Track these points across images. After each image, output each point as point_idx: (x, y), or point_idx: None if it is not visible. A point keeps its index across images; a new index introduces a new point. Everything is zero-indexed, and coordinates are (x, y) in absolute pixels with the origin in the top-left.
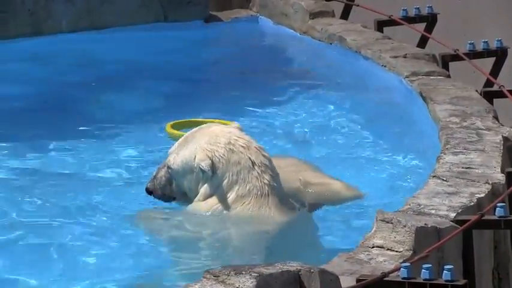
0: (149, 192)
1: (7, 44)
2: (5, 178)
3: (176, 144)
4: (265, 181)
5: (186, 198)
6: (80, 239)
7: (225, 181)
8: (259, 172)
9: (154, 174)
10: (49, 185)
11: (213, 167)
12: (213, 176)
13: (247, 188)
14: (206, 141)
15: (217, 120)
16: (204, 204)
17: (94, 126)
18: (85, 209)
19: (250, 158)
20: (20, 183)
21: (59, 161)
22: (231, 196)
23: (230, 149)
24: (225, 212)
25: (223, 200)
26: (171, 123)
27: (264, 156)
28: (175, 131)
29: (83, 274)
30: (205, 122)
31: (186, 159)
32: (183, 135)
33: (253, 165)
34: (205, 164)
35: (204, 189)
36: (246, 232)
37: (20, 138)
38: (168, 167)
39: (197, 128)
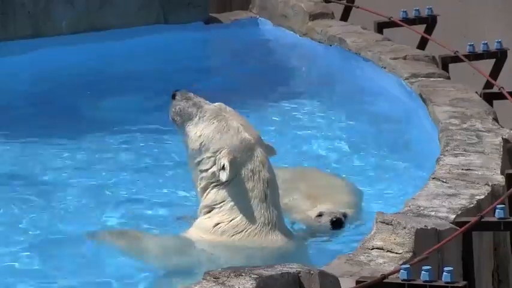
0: (173, 96)
1: (7, 45)
2: (5, 178)
3: (220, 111)
4: (269, 219)
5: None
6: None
7: (231, 203)
8: (269, 208)
9: (190, 95)
10: (49, 187)
11: (229, 178)
12: (224, 187)
13: (255, 215)
14: (242, 148)
15: None
16: (209, 223)
17: (93, 127)
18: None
19: (264, 191)
20: (15, 186)
21: (59, 162)
22: (234, 221)
23: (252, 173)
24: (231, 236)
25: (228, 220)
26: None
27: (276, 195)
28: None
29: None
30: None
31: (213, 136)
32: None
33: (265, 198)
34: (227, 171)
35: (211, 195)
36: (258, 257)
37: (18, 139)
38: (200, 110)
39: (240, 122)
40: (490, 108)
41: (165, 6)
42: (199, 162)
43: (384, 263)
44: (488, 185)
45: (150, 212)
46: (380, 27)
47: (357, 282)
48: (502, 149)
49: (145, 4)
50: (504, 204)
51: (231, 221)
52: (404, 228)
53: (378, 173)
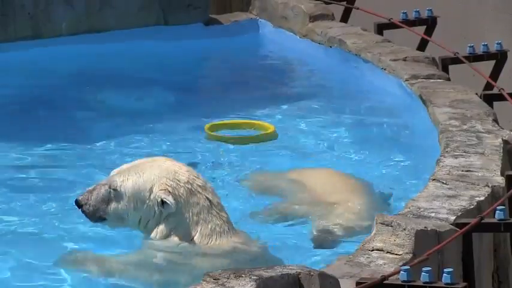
0: (79, 205)
1: (7, 47)
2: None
3: (124, 167)
4: (224, 219)
5: (120, 224)
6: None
7: (186, 221)
8: (218, 211)
9: (90, 188)
10: (49, 189)
11: (175, 204)
12: (172, 214)
13: (210, 227)
14: (165, 175)
15: (257, 122)
16: (166, 243)
17: (92, 128)
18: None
19: (208, 198)
20: (15, 185)
21: (59, 164)
22: (196, 236)
23: (189, 188)
24: (194, 247)
25: (187, 239)
26: (209, 124)
27: (217, 196)
28: (215, 134)
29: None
30: (244, 124)
31: (139, 187)
32: (222, 137)
33: (211, 205)
34: (170, 200)
35: (162, 227)
36: (223, 264)
37: (18, 140)
38: (112, 188)
39: (149, 158)
40: (490, 110)
41: (165, 8)
42: (143, 218)
43: (384, 264)
44: (488, 186)
45: None
46: (380, 28)
47: (357, 283)
48: (502, 151)
49: (145, 5)
50: (504, 205)
51: (191, 240)
52: (405, 229)
53: (377, 174)
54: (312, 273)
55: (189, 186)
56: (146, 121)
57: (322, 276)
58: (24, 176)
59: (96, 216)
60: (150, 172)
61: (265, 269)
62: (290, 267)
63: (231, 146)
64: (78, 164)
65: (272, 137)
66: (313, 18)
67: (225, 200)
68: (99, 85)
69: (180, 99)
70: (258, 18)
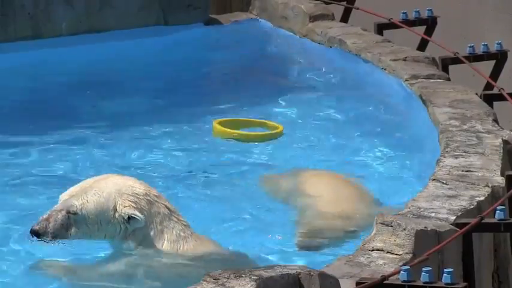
0: (37, 234)
1: (7, 47)
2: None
3: (76, 189)
4: (185, 223)
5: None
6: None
7: (152, 232)
8: (177, 217)
9: (45, 216)
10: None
11: (142, 218)
12: (138, 228)
13: (175, 233)
14: (124, 191)
15: (266, 121)
16: (140, 252)
17: (93, 129)
18: None
19: (166, 206)
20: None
21: (59, 165)
22: (164, 244)
23: (148, 200)
24: (167, 255)
25: (156, 248)
26: (218, 120)
27: (169, 203)
28: (223, 129)
29: None
30: (253, 122)
31: (102, 207)
32: (232, 133)
33: (170, 212)
34: (138, 215)
35: (130, 241)
36: (198, 269)
37: (18, 140)
38: (72, 212)
39: (97, 177)
40: (490, 110)
41: (165, 8)
42: (108, 236)
43: (384, 264)
44: (488, 186)
45: None
46: (380, 28)
47: (357, 283)
48: (502, 151)
49: (145, 5)
50: (504, 205)
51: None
52: (405, 229)
53: (377, 174)
54: (312, 273)
55: (148, 198)
56: (148, 120)
57: (322, 276)
58: (15, 176)
59: (53, 241)
60: (109, 190)
61: (265, 269)
62: (290, 267)
63: (238, 143)
64: (79, 164)
65: (279, 136)
66: (313, 18)
67: (227, 200)
68: (100, 85)
69: (181, 99)
70: (258, 18)
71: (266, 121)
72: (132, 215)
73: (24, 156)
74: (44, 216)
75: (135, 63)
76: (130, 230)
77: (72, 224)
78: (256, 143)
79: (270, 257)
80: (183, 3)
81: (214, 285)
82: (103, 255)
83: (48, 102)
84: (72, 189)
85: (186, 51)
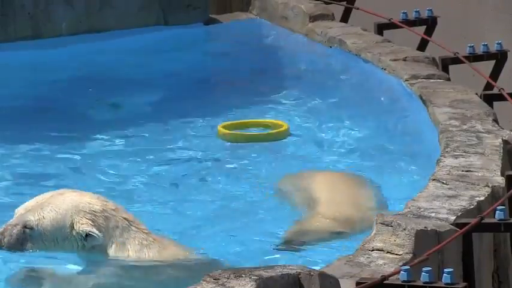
0: None
1: (7, 47)
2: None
3: (32, 204)
4: (146, 231)
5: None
6: None
7: (114, 245)
8: (137, 226)
9: (0, 230)
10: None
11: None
12: (97, 244)
13: (137, 242)
14: (81, 208)
15: (269, 121)
16: (112, 263)
17: (92, 128)
18: None
19: (124, 218)
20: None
21: (60, 164)
22: (129, 255)
23: (106, 216)
24: (136, 263)
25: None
26: (223, 124)
27: (128, 213)
28: (228, 131)
29: None
30: (257, 123)
31: (58, 224)
32: (236, 135)
33: (129, 223)
34: (95, 232)
35: (94, 256)
36: (169, 273)
37: (20, 140)
38: (28, 227)
39: (53, 192)
40: (490, 110)
41: (165, 8)
42: (66, 251)
43: (384, 264)
44: (489, 186)
45: (145, 211)
46: (380, 28)
47: (357, 283)
48: (502, 151)
49: (145, 5)
50: (504, 205)
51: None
52: (405, 229)
53: (377, 174)
54: (312, 273)
55: (106, 214)
56: (149, 120)
57: (322, 276)
58: (15, 177)
59: (22, 248)
60: (65, 207)
61: (265, 269)
62: (290, 267)
63: (243, 144)
64: (79, 165)
65: (285, 135)
66: (313, 18)
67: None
68: (99, 86)
69: (182, 99)
70: (258, 18)
71: (270, 120)
72: (90, 233)
73: (23, 156)
74: (0, 230)
75: (135, 63)
76: (88, 247)
77: (28, 239)
78: (261, 143)
79: (272, 258)
80: (183, 3)
81: (214, 285)
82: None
83: (48, 101)
84: (28, 204)
85: (185, 51)
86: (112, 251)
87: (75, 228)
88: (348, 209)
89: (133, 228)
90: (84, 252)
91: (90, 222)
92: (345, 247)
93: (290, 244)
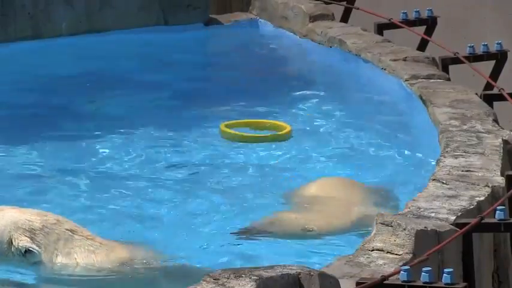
0: None
1: (7, 47)
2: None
3: None
4: (91, 237)
5: None
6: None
7: (59, 257)
8: (81, 234)
9: None
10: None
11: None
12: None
13: (83, 250)
14: (20, 225)
15: (273, 122)
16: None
17: (92, 130)
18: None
19: (66, 229)
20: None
21: (62, 163)
22: (77, 263)
23: (46, 232)
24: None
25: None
26: (225, 123)
27: (70, 221)
28: (231, 131)
29: None
30: (259, 123)
31: None
32: (239, 134)
33: (73, 232)
34: (35, 248)
35: (42, 268)
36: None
37: (17, 140)
38: None
39: None
40: (490, 110)
41: (165, 8)
42: (9, 264)
43: (384, 264)
44: (488, 186)
45: (145, 210)
46: (380, 28)
47: (357, 283)
48: (502, 151)
49: (145, 5)
50: (504, 205)
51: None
52: (405, 229)
53: (377, 174)
54: (312, 273)
55: (46, 230)
56: (151, 120)
57: (322, 276)
58: (16, 178)
59: None
60: (4, 223)
61: (265, 269)
62: (290, 267)
63: (246, 145)
64: (81, 165)
65: (287, 137)
66: (313, 18)
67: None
68: (101, 85)
69: (183, 100)
70: (258, 18)
71: (274, 121)
72: (30, 249)
73: (23, 154)
74: None
75: (135, 63)
76: (30, 262)
77: None
78: (264, 144)
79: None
80: (183, 3)
81: (214, 285)
82: None
83: (48, 101)
84: None
85: (186, 51)
86: (59, 262)
87: (13, 244)
88: (329, 210)
89: (76, 237)
90: (29, 266)
91: (28, 239)
92: (345, 247)
93: (252, 233)
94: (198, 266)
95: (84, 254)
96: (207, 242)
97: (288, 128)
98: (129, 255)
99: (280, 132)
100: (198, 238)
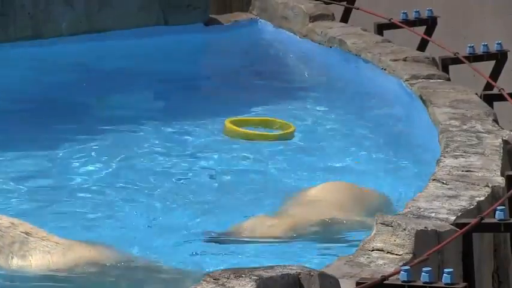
0: None
1: (7, 47)
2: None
3: None
4: (46, 237)
5: None
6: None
7: (15, 259)
8: (36, 235)
9: None
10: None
11: None
12: None
13: (38, 251)
14: None
15: (278, 120)
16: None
17: (94, 128)
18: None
19: (21, 231)
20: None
21: (58, 161)
22: (33, 265)
23: (0, 235)
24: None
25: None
26: (230, 119)
27: (25, 222)
28: (235, 128)
29: None
30: (264, 121)
31: None
32: (243, 132)
33: (27, 234)
34: None
35: None
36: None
37: (18, 141)
38: None
39: None
40: (490, 110)
41: (164, 8)
42: None
43: (384, 265)
44: (489, 186)
45: (145, 210)
46: (380, 28)
47: (357, 283)
48: (502, 151)
49: (145, 6)
50: (504, 205)
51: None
52: (405, 229)
53: (377, 174)
54: (312, 274)
55: (0, 233)
56: (145, 120)
57: (322, 276)
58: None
59: None
60: None
61: (265, 269)
62: (290, 267)
63: (249, 143)
64: (85, 163)
65: (291, 136)
66: (313, 18)
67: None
68: (99, 86)
69: (183, 99)
70: (258, 18)
71: (278, 120)
72: None
73: (25, 156)
74: None
75: (135, 63)
76: None
77: None
78: (267, 142)
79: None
80: (183, 3)
81: (214, 285)
82: None
83: (49, 101)
84: None
85: (185, 51)
86: (15, 265)
87: None
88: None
89: (31, 239)
90: None
91: None
92: (344, 247)
93: (221, 239)
94: (165, 265)
95: (39, 256)
96: (181, 242)
97: (293, 128)
98: (89, 254)
99: (285, 131)
100: (172, 238)
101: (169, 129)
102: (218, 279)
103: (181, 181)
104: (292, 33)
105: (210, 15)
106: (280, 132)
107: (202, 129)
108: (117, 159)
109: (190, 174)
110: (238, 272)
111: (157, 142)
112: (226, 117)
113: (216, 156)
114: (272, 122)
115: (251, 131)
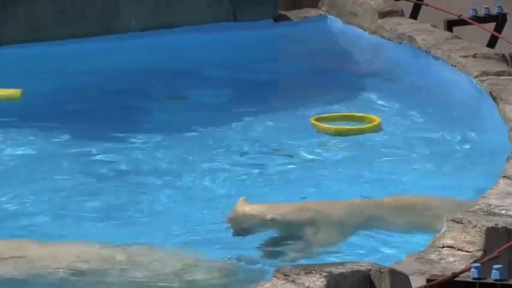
0: None
1: (77, 42)
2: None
3: None
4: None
5: None
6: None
7: None
8: None
9: None
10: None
11: None
12: None
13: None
14: None
15: (362, 114)
16: None
17: (167, 123)
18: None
19: None
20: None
21: (129, 155)
22: None
23: None
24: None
25: None
26: (315, 117)
27: None
28: (321, 124)
29: None
30: (349, 116)
31: None
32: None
33: None
34: None
35: None
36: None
37: (90, 135)
38: None
39: None
40: None
41: (234, 4)
42: None
43: (455, 262)
44: None
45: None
46: (450, 25)
47: (428, 280)
48: None
49: (214, 1)
50: None
51: None
52: (475, 226)
53: (447, 171)
54: (382, 270)
55: None
56: (228, 116)
57: (393, 273)
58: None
59: None
60: None
61: (336, 266)
62: (360, 263)
63: (336, 138)
64: (151, 159)
65: (377, 129)
66: (383, 14)
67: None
68: (172, 81)
69: (255, 95)
70: (327, 14)
71: (364, 114)
72: None
73: (87, 149)
74: None
75: (206, 59)
76: None
77: None
78: (353, 137)
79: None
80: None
81: (284, 281)
82: None
83: (115, 97)
84: None
85: (255, 47)
86: None
87: None
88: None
89: None
90: None
91: None
92: (415, 244)
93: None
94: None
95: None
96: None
97: (378, 120)
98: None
99: (371, 124)
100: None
101: (257, 125)
102: (288, 276)
103: (275, 176)
104: (361, 30)
105: (280, 11)
106: (369, 125)
107: (289, 122)
108: (194, 153)
109: (282, 169)
110: (308, 268)
111: (224, 139)
112: (312, 111)
113: (306, 150)
114: (357, 116)
115: (342, 127)
